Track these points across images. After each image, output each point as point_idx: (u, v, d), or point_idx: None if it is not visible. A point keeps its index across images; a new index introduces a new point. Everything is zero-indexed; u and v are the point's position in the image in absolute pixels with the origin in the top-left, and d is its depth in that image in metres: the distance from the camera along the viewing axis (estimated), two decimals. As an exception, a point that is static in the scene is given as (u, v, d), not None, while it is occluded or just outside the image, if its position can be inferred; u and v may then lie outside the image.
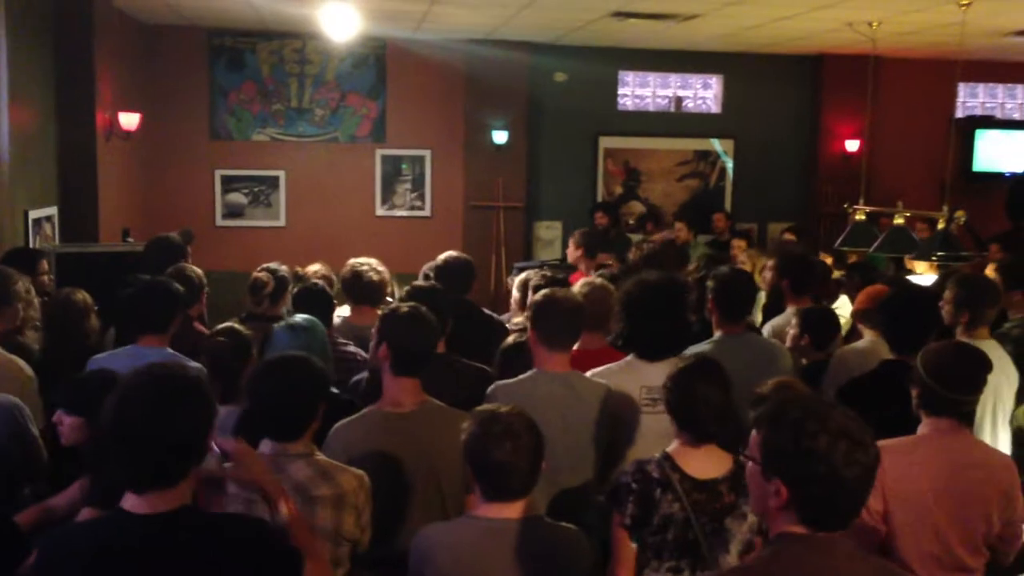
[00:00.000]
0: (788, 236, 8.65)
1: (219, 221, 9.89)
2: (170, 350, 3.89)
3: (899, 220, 6.48)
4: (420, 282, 4.12)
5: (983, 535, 2.87)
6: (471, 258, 5.22)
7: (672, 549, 2.78)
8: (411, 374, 3.17)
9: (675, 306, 3.72)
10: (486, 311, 5.17)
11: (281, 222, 10.02)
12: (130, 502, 2.11)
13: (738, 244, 8.38)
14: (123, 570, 2.06)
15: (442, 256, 5.14)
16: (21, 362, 3.82)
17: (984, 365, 2.95)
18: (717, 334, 4.13)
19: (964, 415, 2.95)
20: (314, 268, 5.62)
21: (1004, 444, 3.96)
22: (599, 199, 10.48)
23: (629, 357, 3.72)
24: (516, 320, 5.25)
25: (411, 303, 3.42)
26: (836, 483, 1.86)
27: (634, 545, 2.82)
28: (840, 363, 4.10)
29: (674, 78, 10.88)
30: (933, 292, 4.22)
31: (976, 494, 2.86)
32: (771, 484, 1.91)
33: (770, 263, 5.55)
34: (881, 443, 2.88)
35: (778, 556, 1.94)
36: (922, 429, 2.97)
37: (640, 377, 3.56)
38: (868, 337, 4.33)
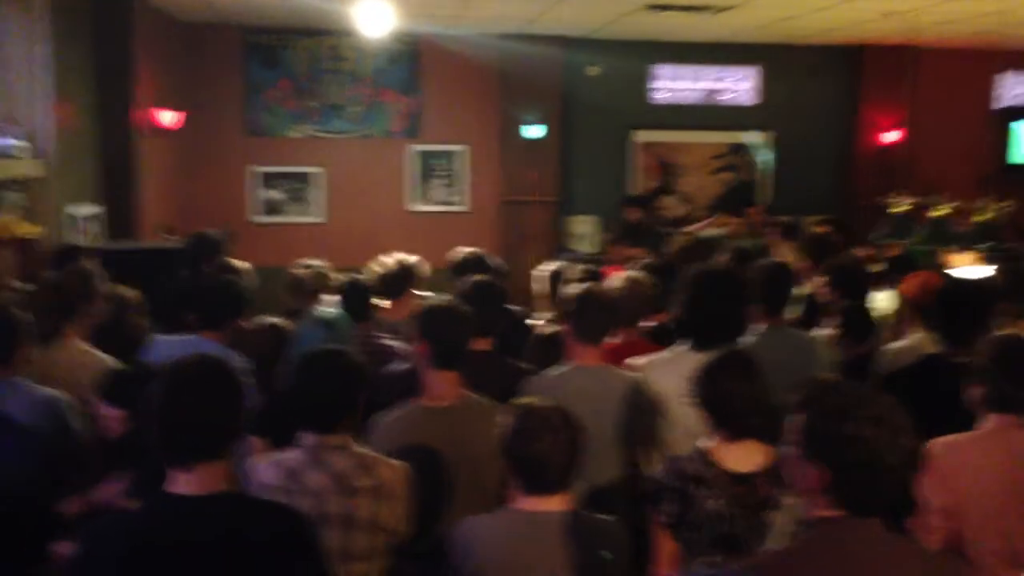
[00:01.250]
0: (819, 229, 8.53)
1: (256, 217, 9.99)
2: (226, 347, 3.94)
3: (939, 212, 6.41)
4: (482, 278, 4.09)
5: None
6: (498, 261, 5.20)
7: (709, 544, 2.77)
8: (450, 367, 3.19)
9: (731, 297, 3.70)
10: (512, 308, 5.18)
11: (317, 218, 10.09)
12: (174, 483, 2.17)
13: (773, 238, 8.29)
14: (169, 552, 2.11)
15: (461, 253, 5.14)
16: (104, 358, 3.89)
17: None
18: (760, 326, 4.10)
19: None
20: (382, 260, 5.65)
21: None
22: (633, 193, 10.44)
23: (679, 346, 3.69)
24: (543, 315, 5.25)
25: (451, 297, 3.44)
26: (878, 468, 1.87)
27: (675, 543, 2.82)
28: (888, 362, 4.03)
29: (709, 70, 10.79)
30: (988, 285, 4.12)
31: None
32: (811, 467, 1.92)
33: (820, 279, 5.43)
34: (946, 439, 2.89)
35: (818, 540, 1.95)
36: (987, 425, 2.91)
37: (686, 366, 3.44)
38: (916, 334, 4.23)
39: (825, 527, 1.94)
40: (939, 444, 2.88)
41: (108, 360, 3.87)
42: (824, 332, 4.68)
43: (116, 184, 7.50)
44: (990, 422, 2.90)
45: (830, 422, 1.89)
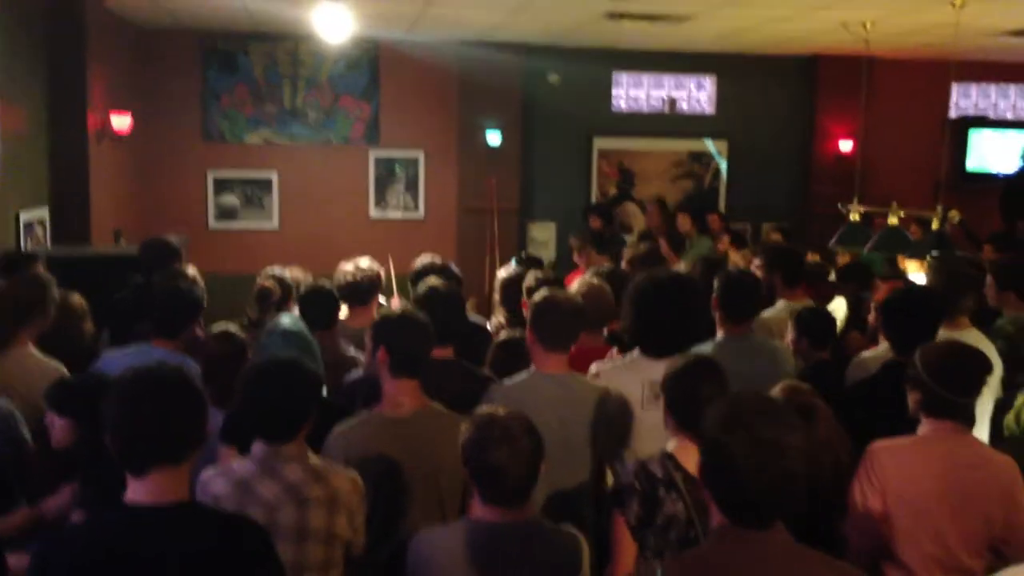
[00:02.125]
0: (775, 236, 8.65)
1: (212, 223, 9.85)
2: (181, 355, 3.87)
3: (893, 220, 6.48)
4: (437, 282, 4.04)
5: (984, 537, 2.85)
6: (456, 271, 5.15)
7: (675, 548, 2.75)
8: (410, 375, 3.15)
9: (683, 303, 3.69)
10: (470, 317, 5.15)
11: (274, 224, 9.98)
12: (132, 492, 2.13)
13: (723, 239, 8.38)
14: (123, 563, 2.06)
15: (421, 261, 5.10)
16: (58, 365, 3.83)
17: (984, 366, 2.93)
18: (720, 335, 4.11)
19: (965, 416, 2.92)
20: (294, 272, 5.58)
21: (982, 435, 3.96)
22: (593, 200, 10.47)
23: (634, 353, 3.70)
24: (498, 319, 5.24)
25: (404, 307, 3.40)
26: (743, 488, 1.92)
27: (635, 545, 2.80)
28: (859, 369, 4.06)
29: (668, 79, 10.87)
30: (935, 291, 4.18)
31: (976, 495, 2.84)
32: (700, 474, 2.02)
33: (757, 261, 5.54)
34: (881, 443, 2.91)
35: (712, 549, 2.01)
36: (922, 430, 2.95)
37: (645, 373, 3.52)
38: (886, 343, 4.27)
39: (719, 537, 1.99)
40: (875, 448, 2.92)
41: (61, 368, 3.79)
42: (778, 311, 4.74)
43: (67, 188, 7.34)
44: (926, 427, 2.93)
45: (708, 439, 1.97)
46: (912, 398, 2.95)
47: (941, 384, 2.85)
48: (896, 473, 2.84)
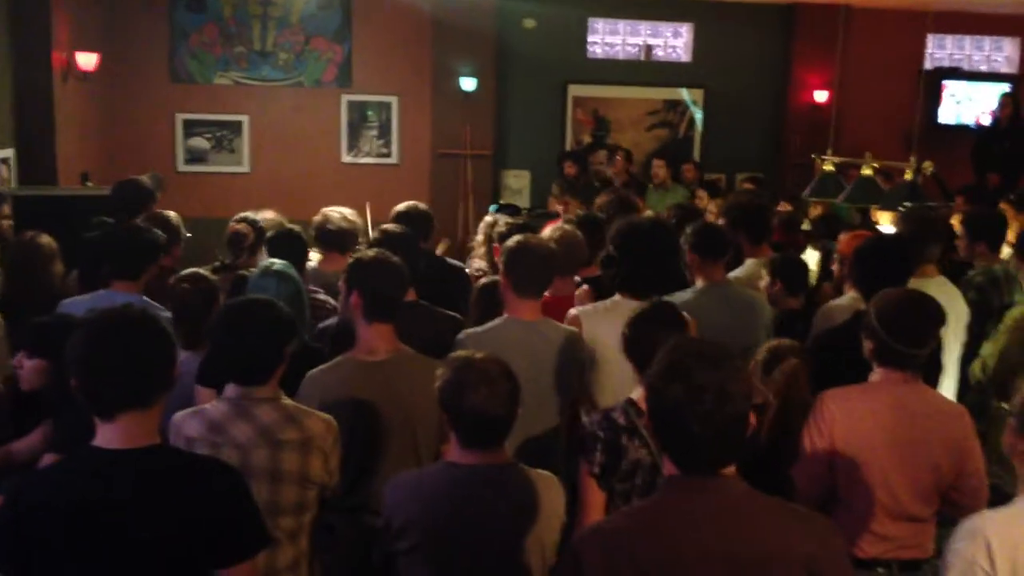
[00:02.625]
0: (747, 186, 8.64)
1: (181, 166, 9.69)
2: (143, 297, 3.82)
3: (867, 171, 6.49)
4: (390, 226, 4.05)
5: (932, 484, 2.87)
6: (429, 209, 5.13)
7: (641, 494, 2.77)
8: (384, 319, 3.13)
9: (664, 247, 3.80)
10: (449, 260, 5.13)
11: (245, 168, 9.84)
12: (101, 436, 2.11)
13: (701, 194, 8.38)
14: (93, 507, 2.04)
15: (401, 206, 5.07)
16: None
17: (938, 318, 2.92)
18: (698, 282, 4.13)
19: (916, 366, 2.93)
20: (267, 215, 5.51)
21: (948, 386, 4.00)
22: (567, 148, 10.41)
23: (616, 296, 3.74)
24: (477, 265, 5.22)
25: (378, 249, 3.37)
26: (681, 430, 1.91)
27: (603, 493, 2.82)
28: (824, 318, 4.07)
29: (644, 26, 10.77)
30: (904, 240, 4.19)
31: (924, 442, 2.85)
32: (649, 423, 2.03)
33: (720, 220, 5.49)
34: (832, 391, 2.93)
35: (664, 499, 2.01)
36: (873, 377, 2.96)
37: (623, 315, 3.50)
38: (852, 292, 4.30)
39: (671, 486, 2.00)
40: (825, 395, 2.94)
41: None
42: (747, 271, 4.75)
43: (32, 128, 7.19)
44: (876, 375, 2.95)
45: (655, 382, 1.95)
46: (865, 346, 2.96)
47: (891, 334, 2.85)
48: (844, 420, 2.86)
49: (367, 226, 5.17)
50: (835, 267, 4.63)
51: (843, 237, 4.66)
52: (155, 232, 4.08)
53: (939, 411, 2.94)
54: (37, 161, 7.22)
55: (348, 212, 4.90)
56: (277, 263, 3.69)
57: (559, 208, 7.01)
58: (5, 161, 6.80)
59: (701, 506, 1.94)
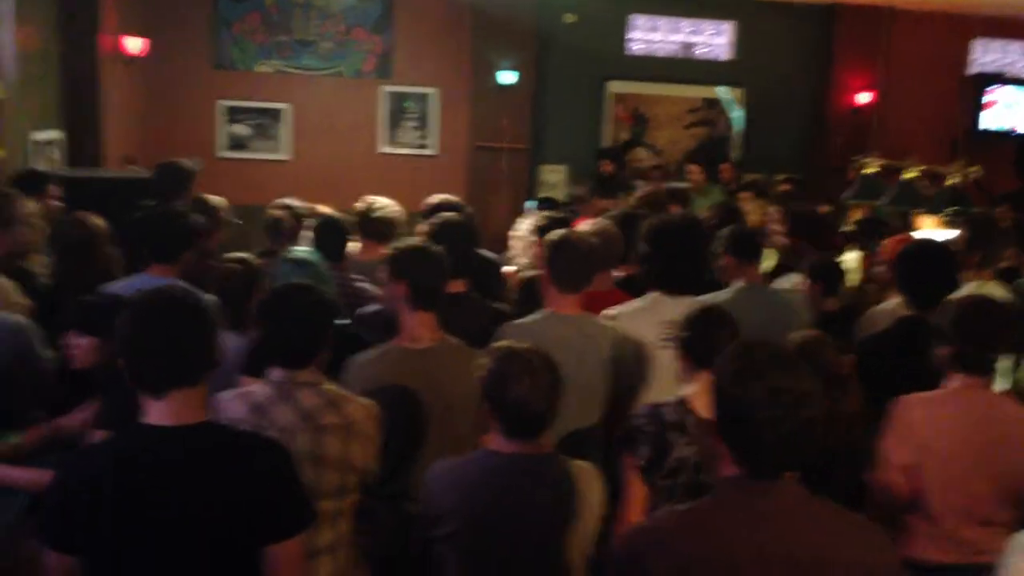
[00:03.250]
0: (784, 187, 8.57)
1: (221, 152, 9.78)
2: (180, 282, 3.86)
3: (909, 174, 6.44)
4: (448, 215, 4.04)
5: (1014, 489, 2.86)
6: (470, 210, 5.13)
7: (683, 492, 2.78)
8: (428, 308, 3.16)
9: (696, 244, 3.83)
10: (484, 252, 5.14)
11: (284, 155, 9.92)
12: (150, 414, 2.14)
13: (744, 196, 8.31)
14: (145, 485, 2.08)
15: (435, 199, 5.06)
16: (12, 288, 3.75)
17: (1012, 322, 2.93)
18: (736, 283, 4.13)
19: (990, 372, 2.94)
20: (321, 209, 5.58)
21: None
22: (605, 144, 10.39)
23: (652, 293, 3.74)
24: (516, 258, 5.23)
25: (420, 240, 3.40)
26: (754, 433, 1.89)
27: (646, 487, 2.83)
28: (869, 323, 4.07)
29: (686, 23, 10.71)
30: (951, 246, 4.16)
31: (1006, 447, 2.85)
32: (714, 424, 1.98)
33: (777, 225, 5.48)
34: (909, 397, 2.92)
35: (720, 500, 1.99)
36: (951, 384, 2.95)
37: (661, 312, 3.59)
38: (896, 297, 4.27)
39: (727, 487, 1.98)
40: (903, 402, 2.92)
41: (12, 287, 3.73)
42: (793, 282, 4.73)
43: (79, 110, 7.29)
44: (954, 382, 2.94)
45: (725, 380, 1.93)
46: (939, 353, 2.95)
47: (972, 340, 2.86)
48: (926, 426, 2.86)
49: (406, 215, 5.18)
50: (880, 270, 4.60)
51: (888, 241, 4.64)
52: (193, 217, 4.11)
53: (1018, 416, 2.94)
54: (84, 144, 7.32)
55: (390, 201, 4.92)
56: (298, 251, 3.73)
57: (589, 207, 7.00)
58: (54, 143, 6.91)
59: (761, 508, 1.93)
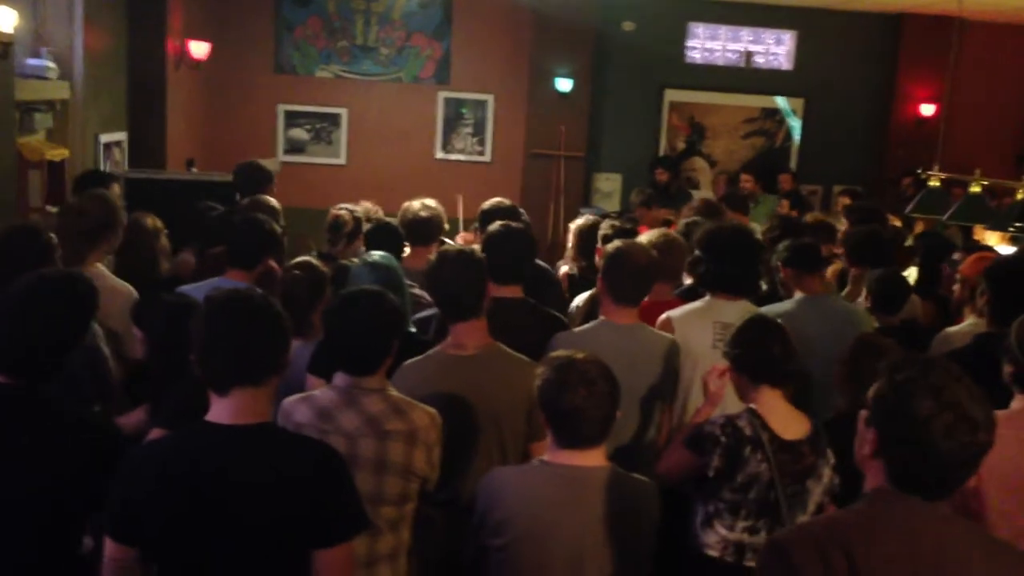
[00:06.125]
0: (844, 200, 8.43)
1: (280, 156, 9.90)
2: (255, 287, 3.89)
3: (976, 188, 6.28)
4: (507, 222, 4.02)
5: None
6: (525, 216, 5.07)
7: (752, 508, 2.75)
8: (462, 320, 3.11)
9: (750, 248, 3.94)
10: (539, 263, 5.10)
11: (341, 160, 10.02)
12: (214, 411, 2.19)
13: (783, 203, 8.18)
14: (204, 483, 2.11)
15: (490, 203, 5.03)
16: (126, 285, 3.86)
17: None
18: (796, 294, 4.14)
19: None
20: (366, 205, 5.59)
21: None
22: (661, 153, 10.33)
23: (707, 297, 3.81)
24: (563, 269, 5.20)
25: (459, 248, 3.37)
26: (926, 452, 1.81)
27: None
28: (943, 343, 3.98)
29: (745, 32, 10.61)
30: None
31: None
32: (869, 431, 1.89)
33: (837, 248, 5.40)
34: None
35: (871, 510, 1.90)
36: (1015, 404, 2.87)
37: (716, 314, 3.67)
38: (974, 316, 4.17)
39: (881, 499, 1.90)
40: None
41: (131, 289, 3.84)
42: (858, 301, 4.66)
43: (143, 112, 7.45)
44: (1019, 402, 2.85)
45: (894, 392, 1.85)
46: (1006, 370, 2.87)
47: None
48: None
49: (457, 218, 5.14)
50: (955, 288, 4.49)
51: (969, 259, 4.52)
52: (274, 224, 4.13)
53: None
54: (147, 145, 7.47)
55: (430, 201, 4.84)
56: (376, 254, 3.72)
57: (639, 216, 6.95)
58: (119, 144, 7.06)
59: (914, 524, 1.87)
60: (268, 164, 5.72)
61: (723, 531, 2.79)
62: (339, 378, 2.72)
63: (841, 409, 3.33)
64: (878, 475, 1.91)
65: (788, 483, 2.74)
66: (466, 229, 6.40)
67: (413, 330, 3.48)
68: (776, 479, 2.71)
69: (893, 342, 3.46)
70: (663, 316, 3.75)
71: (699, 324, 3.65)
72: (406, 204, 4.88)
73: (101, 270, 3.92)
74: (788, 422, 2.81)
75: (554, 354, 2.63)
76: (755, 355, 2.85)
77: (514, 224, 3.97)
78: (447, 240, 5.26)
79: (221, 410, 2.18)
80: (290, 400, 2.75)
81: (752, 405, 2.84)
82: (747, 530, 2.77)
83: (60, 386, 2.96)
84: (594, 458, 2.52)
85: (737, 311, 3.50)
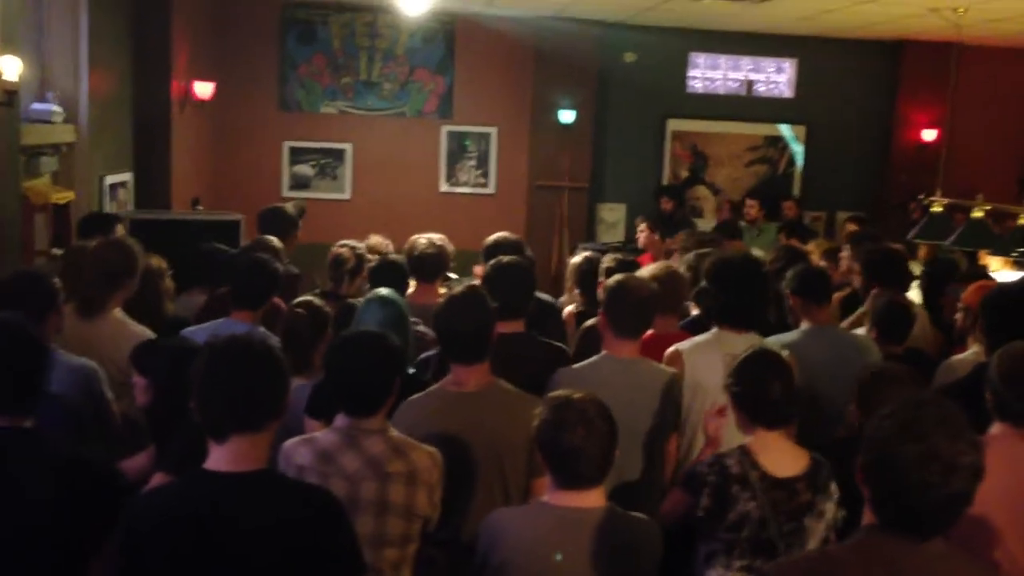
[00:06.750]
0: (851, 226, 8.43)
1: (285, 192, 9.95)
2: (260, 328, 3.91)
3: (978, 213, 6.28)
4: (507, 258, 4.02)
5: None
6: (529, 251, 5.07)
7: (746, 548, 2.74)
8: (462, 362, 3.10)
9: (758, 280, 3.88)
10: (541, 296, 5.11)
11: (346, 195, 10.08)
12: (213, 460, 2.19)
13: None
14: (204, 531, 2.12)
15: (493, 238, 5.04)
16: (147, 331, 3.88)
17: None
18: (803, 324, 4.12)
19: None
20: (375, 240, 5.60)
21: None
22: (664, 182, 10.36)
23: (715, 329, 3.78)
24: (569, 308, 5.18)
25: (468, 286, 3.37)
26: (908, 499, 1.83)
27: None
28: (947, 373, 3.96)
29: (746, 61, 10.68)
30: None
31: None
32: (861, 473, 1.91)
33: (856, 267, 5.39)
34: None
35: (859, 547, 1.91)
36: (992, 431, 2.86)
37: (725, 347, 3.61)
38: (975, 347, 4.14)
39: (871, 535, 1.90)
40: None
41: (150, 334, 3.86)
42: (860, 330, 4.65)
43: (148, 153, 7.51)
44: (995, 429, 2.84)
45: (884, 437, 1.86)
46: (987, 398, 2.87)
47: (1010, 388, 2.76)
48: None
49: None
50: (958, 316, 4.47)
51: (970, 288, 4.50)
52: (278, 264, 4.16)
53: None
54: (153, 185, 7.53)
55: (436, 237, 4.82)
56: (383, 291, 3.73)
57: (645, 245, 6.95)
58: (124, 185, 7.12)
59: (902, 564, 1.87)
60: (293, 207, 5.78)
61: (721, 570, 2.77)
62: (340, 419, 2.73)
63: (840, 436, 3.32)
64: (871, 511, 1.91)
65: (783, 521, 2.72)
66: (470, 262, 6.42)
67: (412, 371, 3.48)
68: (769, 517, 2.70)
69: (906, 368, 3.45)
70: (671, 349, 3.74)
71: (709, 357, 3.62)
72: (412, 239, 4.86)
73: (119, 316, 3.94)
74: (783, 459, 2.79)
75: (552, 394, 2.64)
76: (753, 395, 2.82)
77: (515, 259, 4.00)
78: (451, 275, 5.27)
79: (220, 457, 2.18)
80: (291, 442, 2.75)
81: (746, 441, 2.83)
82: (744, 569, 2.74)
83: (65, 432, 3.00)
84: (593, 498, 2.51)
85: (745, 343, 3.44)
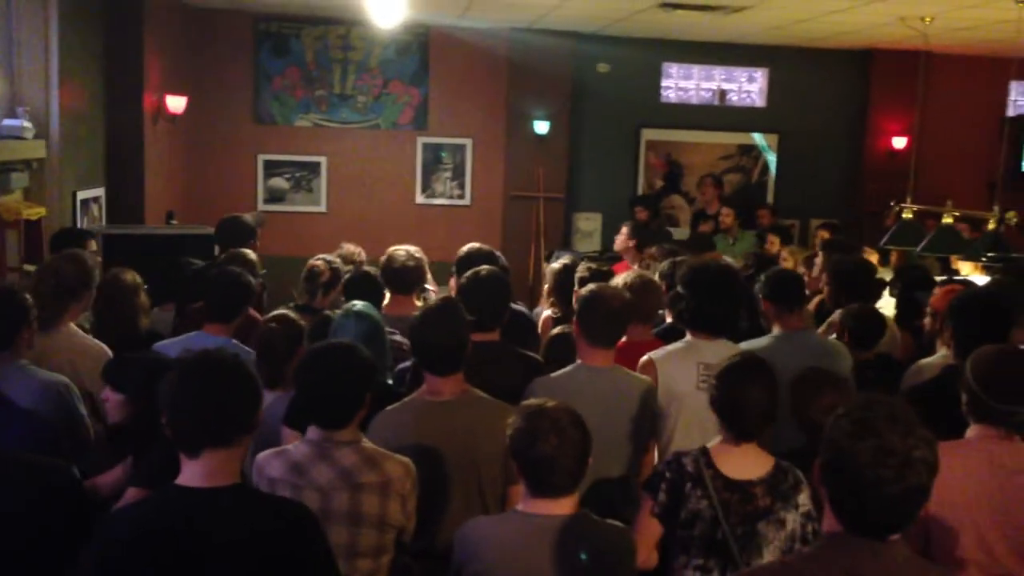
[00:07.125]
0: (823, 233, 8.52)
1: (260, 206, 9.91)
2: (233, 340, 3.90)
3: (948, 219, 6.36)
4: (483, 268, 4.03)
5: None
6: (503, 260, 5.05)
7: (699, 547, 2.76)
8: (439, 375, 3.11)
9: (732, 288, 3.88)
10: (515, 306, 5.11)
11: (322, 208, 10.06)
12: (186, 475, 2.18)
13: (772, 239, 8.28)
14: (178, 547, 2.11)
15: (467, 248, 5.04)
16: (99, 344, 3.86)
17: None
18: (775, 330, 4.14)
19: (1013, 424, 2.85)
20: (348, 248, 5.59)
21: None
22: (639, 192, 10.42)
23: (688, 337, 3.79)
24: (546, 313, 5.21)
25: (443, 298, 3.39)
26: (864, 498, 1.84)
27: (659, 528, 2.83)
28: (915, 375, 4.01)
29: (718, 71, 10.77)
30: (1001, 295, 4.05)
31: (1021, 500, 2.75)
32: (819, 473, 1.93)
33: (824, 278, 5.45)
34: None
35: (819, 554, 1.93)
36: (969, 433, 2.89)
37: (699, 355, 3.64)
38: (943, 351, 4.20)
39: (830, 542, 1.92)
40: None
41: (105, 348, 3.84)
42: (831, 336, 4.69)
43: (121, 168, 7.48)
44: (972, 431, 2.88)
45: (833, 438, 1.88)
46: (963, 401, 2.90)
47: (986, 391, 2.79)
48: (938, 476, 2.80)
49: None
50: (927, 321, 4.53)
51: (938, 291, 4.56)
52: (246, 276, 4.15)
53: None
54: (126, 200, 7.49)
55: (413, 249, 4.84)
56: (358, 304, 3.73)
57: (622, 240, 6.97)
58: (97, 200, 7.08)
59: (861, 568, 1.88)
60: (252, 217, 5.75)
61: (681, 570, 2.79)
62: (312, 432, 2.73)
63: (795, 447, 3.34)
64: (832, 519, 1.93)
65: (736, 523, 2.73)
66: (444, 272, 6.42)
67: (390, 382, 3.48)
68: (720, 517, 2.72)
69: (834, 374, 3.48)
70: (644, 358, 3.75)
71: (682, 365, 3.64)
72: (391, 252, 4.86)
73: (74, 330, 3.92)
74: (742, 462, 2.80)
75: (526, 403, 2.65)
76: (730, 401, 2.82)
77: (492, 269, 4.01)
78: (430, 287, 5.28)
79: (193, 473, 2.17)
80: (264, 455, 2.75)
81: (712, 442, 2.85)
82: (699, 569, 2.76)
83: (37, 447, 2.98)
84: (566, 506, 2.52)
85: (718, 351, 3.49)
